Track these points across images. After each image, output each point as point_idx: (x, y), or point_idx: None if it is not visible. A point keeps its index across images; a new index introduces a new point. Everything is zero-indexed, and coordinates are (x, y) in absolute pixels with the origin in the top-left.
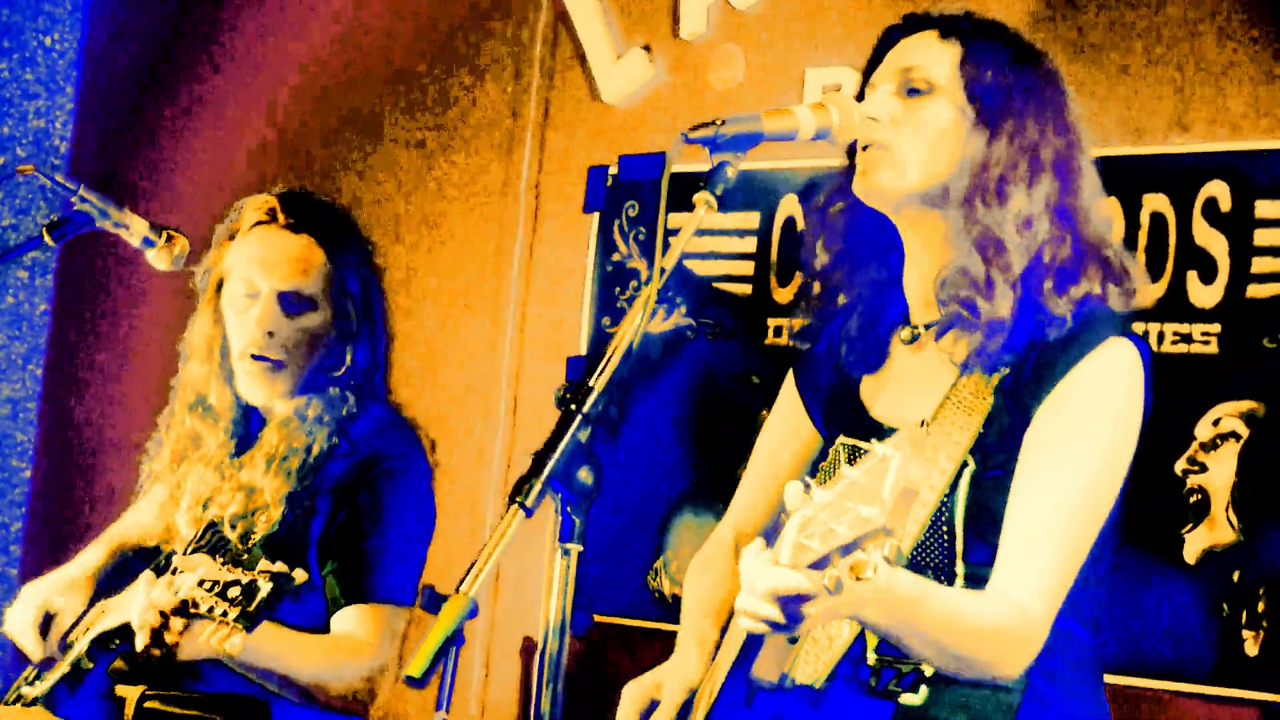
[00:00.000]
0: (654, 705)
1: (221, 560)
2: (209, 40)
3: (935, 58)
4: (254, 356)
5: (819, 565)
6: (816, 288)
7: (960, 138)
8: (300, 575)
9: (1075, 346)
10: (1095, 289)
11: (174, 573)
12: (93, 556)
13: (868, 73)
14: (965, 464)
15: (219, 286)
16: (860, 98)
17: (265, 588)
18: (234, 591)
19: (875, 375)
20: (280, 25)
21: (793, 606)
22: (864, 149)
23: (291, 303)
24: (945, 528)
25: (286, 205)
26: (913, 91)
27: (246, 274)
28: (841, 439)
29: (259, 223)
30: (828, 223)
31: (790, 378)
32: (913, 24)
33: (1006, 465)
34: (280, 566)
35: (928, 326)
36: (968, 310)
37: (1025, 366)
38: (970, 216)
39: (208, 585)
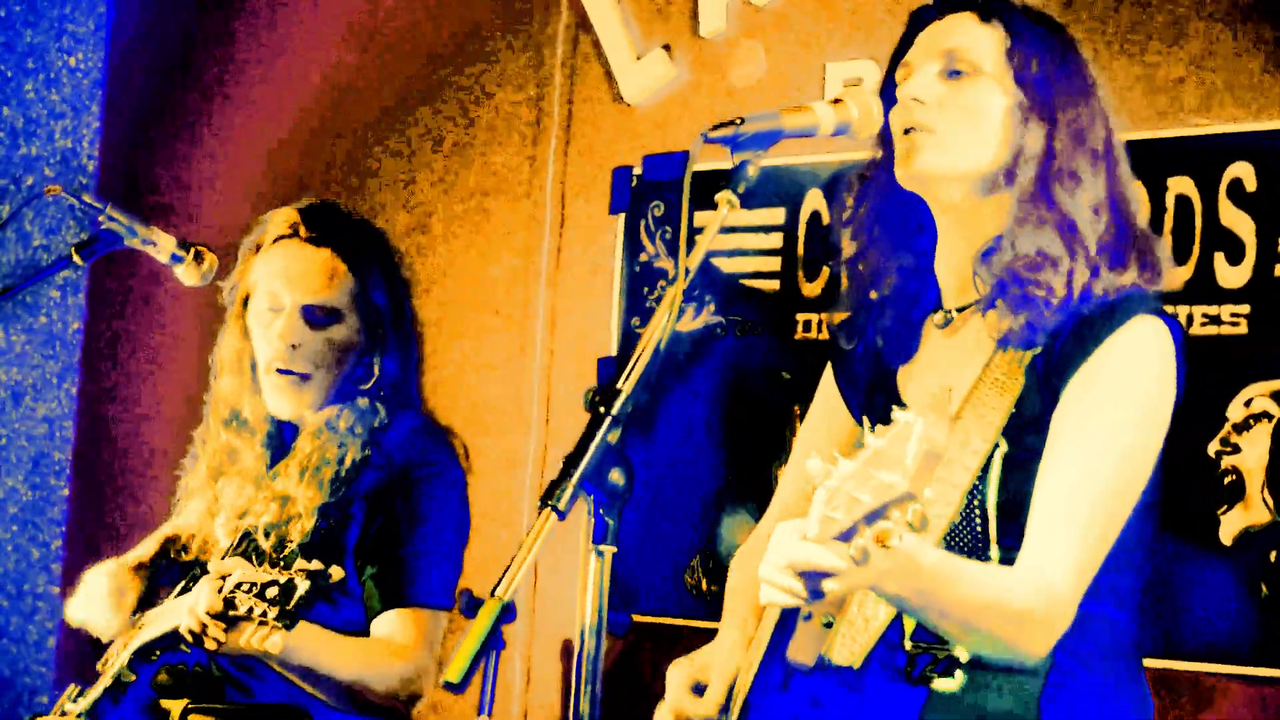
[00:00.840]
0: (700, 688)
1: (258, 563)
2: (231, 51)
3: (978, 40)
4: (279, 370)
5: (845, 536)
6: (848, 281)
7: (1010, 124)
8: (337, 572)
9: (1103, 325)
10: (1134, 273)
11: (211, 576)
12: (141, 550)
13: (899, 54)
14: (998, 445)
15: (246, 301)
16: (889, 80)
17: (303, 585)
18: (272, 591)
19: (910, 364)
20: (300, 34)
21: (814, 581)
22: (906, 133)
23: (316, 315)
24: (978, 511)
25: (309, 219)
26: (954, 74)
27: (271, 288)
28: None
29: (282, 237)
30: (856, 214)
31: (828, 373)
32: (946, 5)
33: (1038, 447)
34: (316, 564)
35: (961, 309)
36: (1041, 289)
37: (1055, 345)
38: (1046, 202)
39: (246, 586)
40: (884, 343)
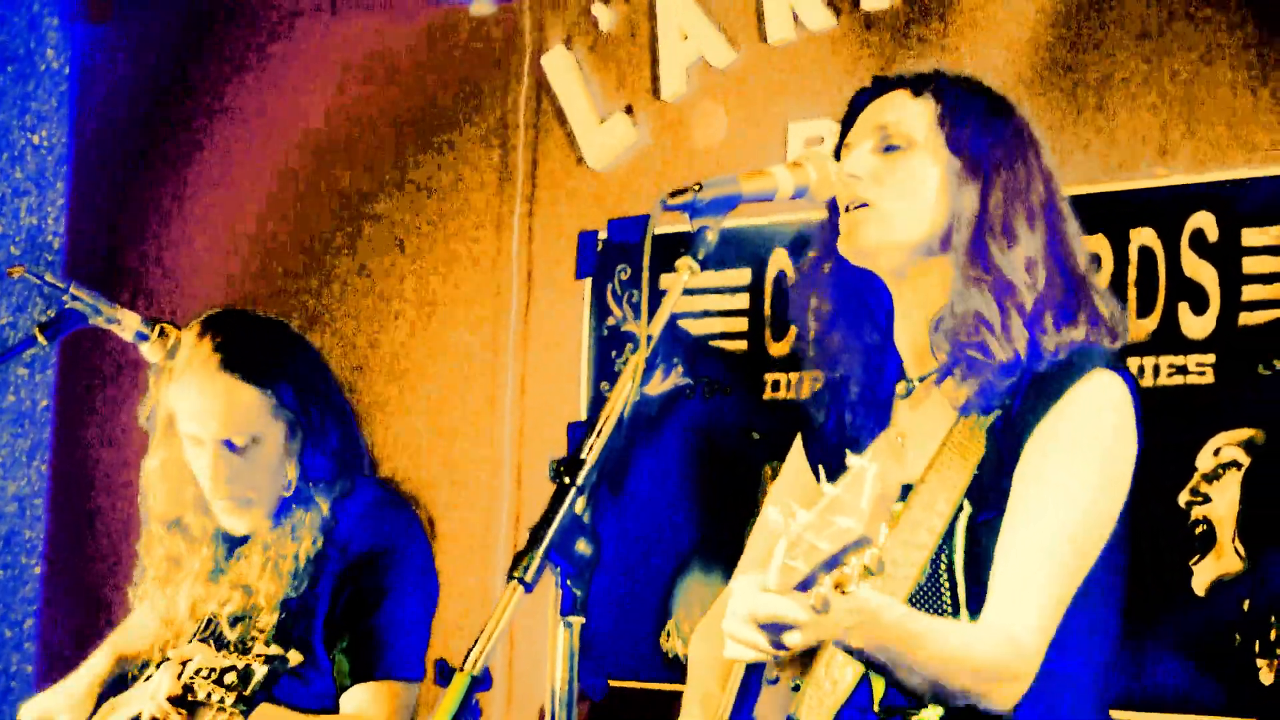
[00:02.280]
0: None
1: (220, 648)
2: (198, 126)
3: (910, 113)
4: (224, 499)
5: (805, 585)
6: (813, 352)
7: (947, 191)
8: (295, 656)
9: (1058, 382)
10: (1085, 329)
11: (172, 662)
12: (96, 664)
13: (843, 134)
14: (961, 508)
15: (171, 421)
16: (836, 159)
17: (260, 671)
18: (230, 677)
19: (881, 436)
20: (268, 109)
21: (776, 633)
22: (846, 210)
23: (235, 446)
24: (945, 575)
25: (209, 343)
26: (890, 149)
27: (188, 429)
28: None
29: (186, 367)
30: (817, 287)
31: (799, 446)
32: (882, 85)
33: (1000, 506)
34: (275, 649)
35: (922, 379)
36: (980, 352)
37: (1013, 406)
38: (979, 263)
39: (205, 672)
40: (853, 417)
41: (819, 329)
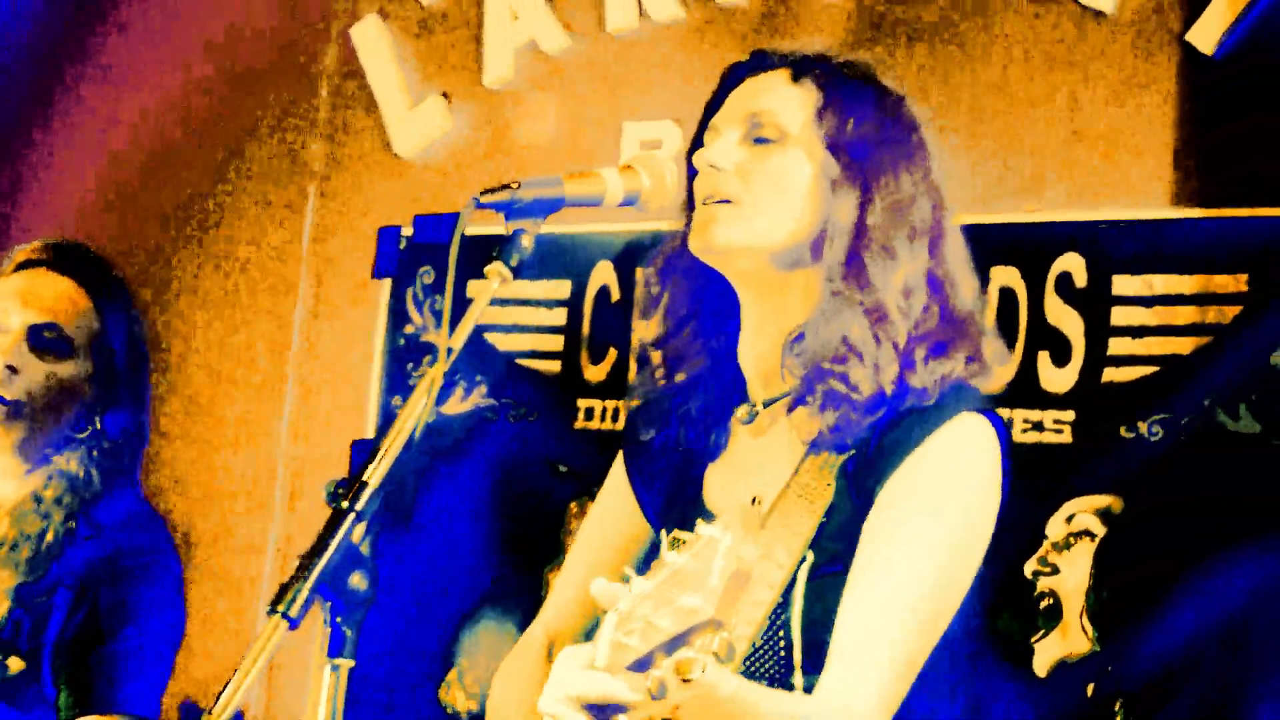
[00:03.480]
0: None
1: None
2: (41, 99)
3: (787, 102)
4: None
5: (640, 666)
6: (650, 365)
7: (821, 194)
8: (15, 664)
9: (921, 424)
10: (960, 366)
11: None
12: None
13: (709, 113)
14: (805, 559)
15: None
16: (699, 141)
17: None
18: None
19: (717, 463)
20: (107, 80)
21: (603, 715)
22: (704, 203)
23: (44, 340)
24: (782, 632)
25: (56, 248)
26: (761, 140)
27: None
28: (676, 532)
29: (25, 264)
30: (662, 292)
31: (620, 464)
32: (761, 62)
33: (847, 558)
34: None
35: (768, 404)
36: (842, 383)
37: (869, 446)
38: (854, 281)
39: None
40: (688, 436)
41: (660, 335)
